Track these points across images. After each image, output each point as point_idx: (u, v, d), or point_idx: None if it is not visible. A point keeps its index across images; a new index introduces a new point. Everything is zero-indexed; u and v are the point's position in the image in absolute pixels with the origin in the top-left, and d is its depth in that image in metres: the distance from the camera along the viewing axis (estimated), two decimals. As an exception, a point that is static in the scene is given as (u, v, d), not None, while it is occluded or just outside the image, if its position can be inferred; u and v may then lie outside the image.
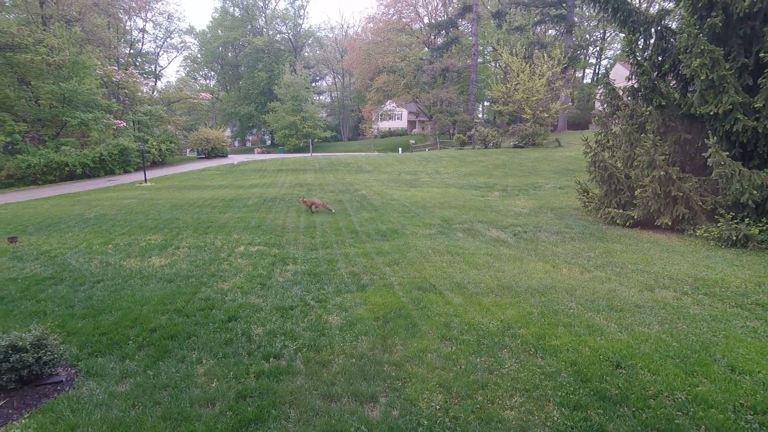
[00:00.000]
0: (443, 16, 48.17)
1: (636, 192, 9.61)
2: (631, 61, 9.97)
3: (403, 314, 4.96)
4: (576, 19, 38.18)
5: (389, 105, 56.25)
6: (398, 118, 65.24)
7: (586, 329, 4.58)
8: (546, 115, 29.04)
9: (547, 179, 17.67)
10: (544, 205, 12.76)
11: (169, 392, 3.52)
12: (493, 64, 50.82)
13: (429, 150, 38.50)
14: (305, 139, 48.18)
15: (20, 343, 3.44)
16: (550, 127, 32.04)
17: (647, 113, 9.82)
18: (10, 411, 3.21)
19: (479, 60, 43.38)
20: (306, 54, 68.36)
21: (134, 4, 39.11)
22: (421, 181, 19.74)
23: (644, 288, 5.90)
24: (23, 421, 3.11)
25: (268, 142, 64.72)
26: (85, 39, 28.08)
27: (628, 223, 9.84)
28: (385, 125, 62.37)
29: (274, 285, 6.15)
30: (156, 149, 27.98)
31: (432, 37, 48.48)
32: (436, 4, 49.36)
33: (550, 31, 42.90)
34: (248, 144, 69.62)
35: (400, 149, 41.22)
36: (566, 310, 5.13)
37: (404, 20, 47.67)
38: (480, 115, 51.68)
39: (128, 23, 41.92)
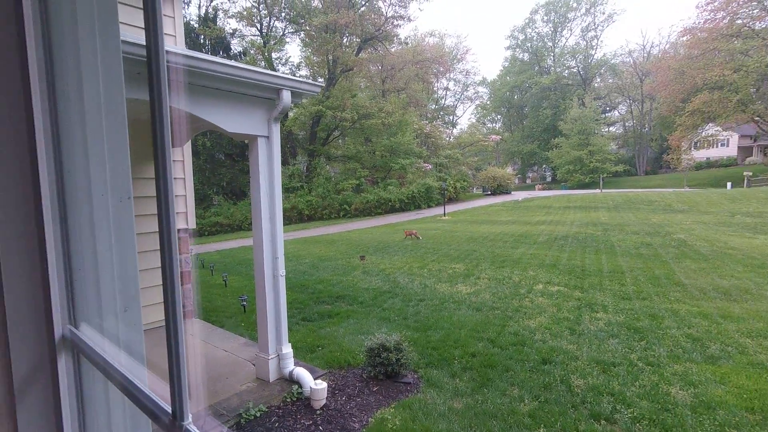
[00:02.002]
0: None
1: None
2: None
3: (799, 414, 3.54)
4: None
5: (710, 129, 45.05)
6: (723, 145, 51.35)
7: None
8: None
9: None
10: None
11: (498, 423, 3.61)
12: None
13: (780, 184, 28.35)
14: (591, 175, 44.33)
15: (387, 344, 4.30)
16: None
17: None
18: (380, 398, 4.02)
19: None
20: (596, 85, 63.80)
21: (441, 69, 46.61)
22: (776, 225, 14.57)
23: None
24: (391, 409, 3.82)
25: (549, 179, 63.05)
26: (408, 102, 35.51)
27: None
28: (700, 155, 50.25)
29: (585, 333, 5.64)
30: (452, 187, 31.87)
31: (790, 34, 36.12)
32: (797, -12, 36.80)
33: None
34: (528, 181, 69.83)
35: (729, 184, 32.09)
36: None
37: (739, 21, 37.66)
38: None
39: (436, 85, 50.21)
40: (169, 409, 0.46)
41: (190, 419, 0.44)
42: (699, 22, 39.86)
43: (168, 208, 0.43)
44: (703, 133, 45.24)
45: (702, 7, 38.93)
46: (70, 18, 0.67)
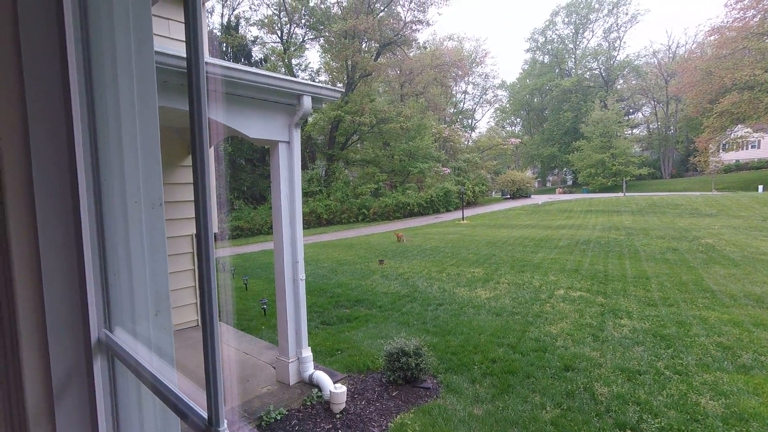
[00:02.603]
0: None
1: None
2: None
3: (841, 428, 3.38)
4: None
5: (740, 131, 43.51)
6: (753, 147, 49.67)
7: None
8: None
9: None
10: None
11: (519, 431, 3.55)
12: None
13: (817, 186, 27.18)
14: (614, 178, 43.37)
15: (406, 349, 4.28)
16: None
17: None
18: (400, 403, 4.00)
19: None
20: (619, 86, 62.49)
21: (460, 72, 46.40)
22: (812, 230, 13.97)
23: None
24: (410, 414, 3.80)
25: (570, 182, 61.94)
26: (426, 107, 35.51)
27: None
28: (729, 157, 48.62)
29: (609, 339, 5.51)
30: (471, 191, 31.67)
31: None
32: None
33: None
34: (548, 184, 68.76)
35: (760, 187, 30.98)
36: None
37: (771, 19, 36.34)
38: None
39: (454, 88, 50.05)
40: (204, 414, 0.47)
41: (225, 425, 0.45)
42: (727, 21, 38.74)
43: (206, 215, 0.44)
44: (732, 134, 43.80)
45: (731, 5, 37.78)
46: (108, 29, 0.70)
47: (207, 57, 4.00)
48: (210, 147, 5.35)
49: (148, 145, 0.75)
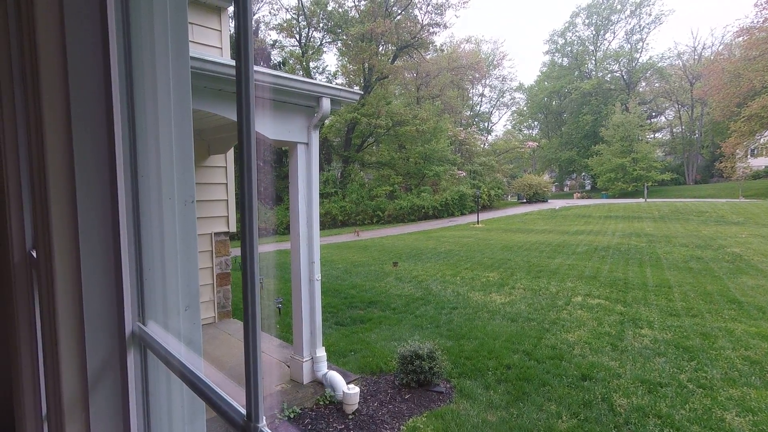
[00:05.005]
0: None
1: None
2: None
3: None
4: None
5: (769, 136, 42.17)
6: (783, 153, 47.96)
7: None
8: None
9: None
10: None
11: (535, 438, 3.51)
12: None
13: None
14: (635, 183, 42.44)
15: (420, 352, 4.27)
16: None
17: None
18: (412, 406, 3.99)
19: None
20: (641, 89, 61.25)
21: (477, 75, 46.22)
22: None
23: None
24: (422, 418, 3.78)
25: (588, 187, 60.93)
26: (442, 109, 35.45)
27: None
28: (758, 163, 47.13)
29: (629, 349, 5.39)
30: (486, 195, 31.43)
31: None
32: None
33: None
34: (566, 189, 67.73)
35: (790, 194, 29.97)
36: None
37: (803, 20, 35.19)
38: None
39: (471, 91, 49.84)
40: (242, 409, 0.48)
41: (264, 421, 0.46)
42: (758, 21, 37.64)
43: (252, 217, 0.45)
44: (762, 139, 42.42)
45: (761, 5, 36.69)
46: (148, 32, 0.73)
47: (230, 60, 4.08)
48: (230, 148, 5.42)
49: (182, 145, 0.77)
